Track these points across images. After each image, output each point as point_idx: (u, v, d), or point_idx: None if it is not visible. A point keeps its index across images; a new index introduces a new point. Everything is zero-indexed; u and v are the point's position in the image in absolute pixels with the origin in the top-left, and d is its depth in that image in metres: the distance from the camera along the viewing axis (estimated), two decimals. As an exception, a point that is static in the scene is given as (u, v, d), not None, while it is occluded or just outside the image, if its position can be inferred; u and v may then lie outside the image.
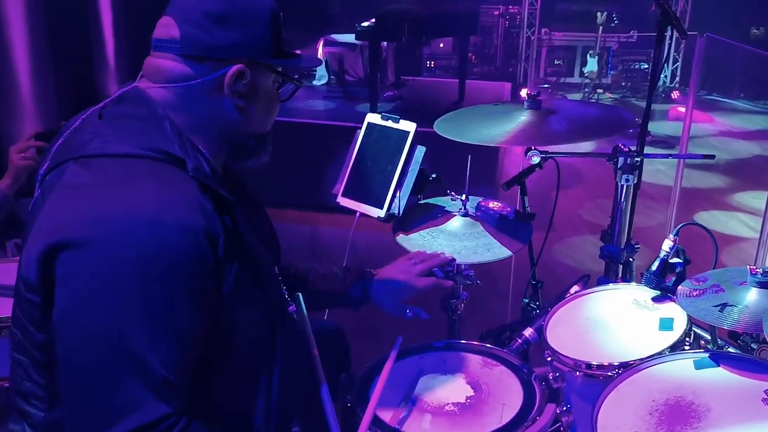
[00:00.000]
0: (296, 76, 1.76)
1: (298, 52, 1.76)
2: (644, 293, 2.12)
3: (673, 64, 11.83)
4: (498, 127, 2.35)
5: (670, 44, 11.42)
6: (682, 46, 11.52)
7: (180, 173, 1.52)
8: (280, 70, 1.68)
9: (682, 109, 10.34)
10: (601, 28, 11.10)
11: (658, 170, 6.50)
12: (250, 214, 1.79)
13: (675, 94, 11.14)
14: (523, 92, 10.80)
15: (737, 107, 10.79)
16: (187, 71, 1.57)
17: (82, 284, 1.39)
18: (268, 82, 1.67)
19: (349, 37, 7.29)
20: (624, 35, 11.85)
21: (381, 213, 2.41)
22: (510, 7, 12.27)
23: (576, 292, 2.20)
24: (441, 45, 11.74)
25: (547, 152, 2.41)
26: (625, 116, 2.41)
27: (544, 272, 2.69)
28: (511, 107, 2.54)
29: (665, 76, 11.90)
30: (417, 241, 2.35)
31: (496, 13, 12.33)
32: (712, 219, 5.97)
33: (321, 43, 7.97)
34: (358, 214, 2.50)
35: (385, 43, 7.47)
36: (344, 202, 2.51)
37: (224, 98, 1.60)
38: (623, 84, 11.71)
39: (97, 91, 5.65)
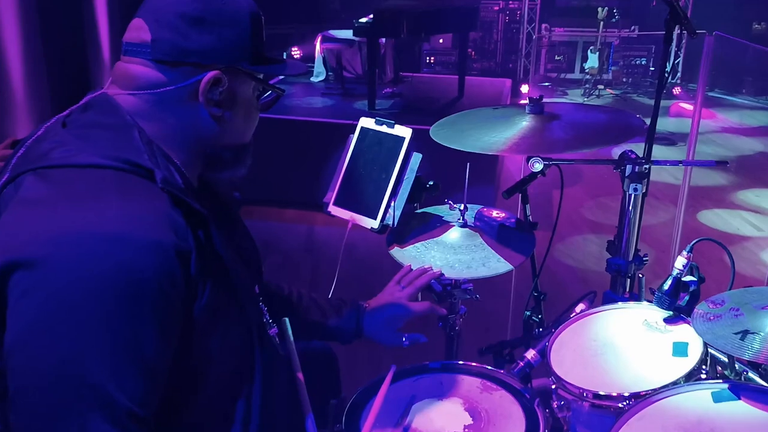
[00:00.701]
0: (278, 83, 1.63)
1: (284, 56, 1.63)
2: (655, 313, 1.98)
3: (675, 60, 11.73)
4: (498, 134, 2.20)
5: (669, 47, 11.23)
6: (683, 41, 11.47)
7: (148, 185, 1.40)
8: (260, 77, 1.57)
9: (685, 105, 10.32)
10: (601, 23, 11.02)
11: (661, 167, 6.33)
12: (229, 229, 1.68)
13: (677, 90, 11.07)
14: (524, 88, 10.72)
15: (740, 104, 10.71)
16: (159, 77, 1.46)
17: (36, 307, 1.24)
18: (247, 89, 1.56)
19: (347, 33, 7.22)
20: (625, 31, 11.76)
21: (375, 224, 2.27)
22: (510, 2, 12.19)
23: (582, 311, 2.07)
24: (441, 41, 11.65)
25: (550, 159, 2.27)
26: (634, 122, 2.27)
27: (546, 275, 2.55)
28: (512, 111, 2.39)
29: (667, 72, 11.67)
30: (411, 254, 2.22)
31: (496, 8, 12.26)
32: (715, 218, 5.88)
33: (318, 40, 7.90)
34: (349, 224, 2.36)
35: (383, 39, 7.45)
36: (336, 211, 2.38)
37: (199, 107, 1.49)
38: (624, 80, 11.66)
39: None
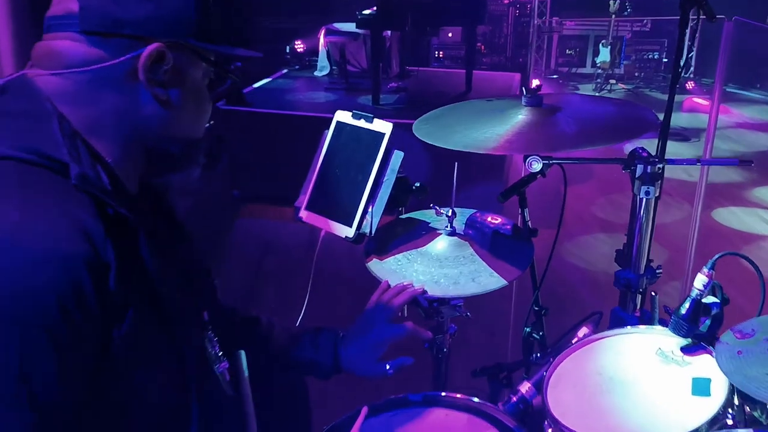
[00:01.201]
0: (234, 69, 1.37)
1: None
2: (671, 340, 1.68)
3: (688, 54, 11.48)
4: (489, 129, 1.90)
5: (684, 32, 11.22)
6: (697, 34, 11.23)
7: (62, 183, 1.16)
8: (211, 59, 1.31)
9: (698, 100, 10.05)
10: (613, 16, 10.87)
11: (674, 162, 6.18)
12: (171, 244, 1.43)
13: (690, 85, 10.91)
14: (535, 82, 10.47)
15: (755, 98, 10.52)
16: (90, 52, 1.21)
17: None
18: (196, 72, 1.31)
19: (352, 26, 7.12)
20: (637, 24, 11.55)
21: (349, 232, 1.98)
22: None
23: (585, 336, 1.78)
24: (450, 35, 11.57)
25: (550, 158, 1.99)
26: (648, 116, 1.97)
27: (553, 277, 2.26)
28: (507, 104, 2.09)
29: (681, 64, 11.51)
30: (391, 267, 1.94)
31: (506, 1, 12.22)
32: (731, 216, 5.71)
33: (322, 33, 7.80)
34: (322, 232, 2.08)
35: (389, 33, 7.40)
36: (308, 217, 2.09)
37: (140, 87, 1.24)
38: (636, 74, 11.57)
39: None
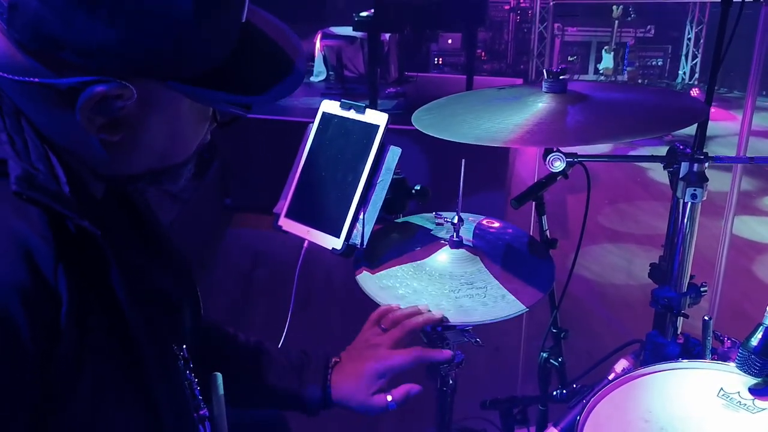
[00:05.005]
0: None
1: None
2: (736, 379, 1.35)
3: (692, 60, 11.33)
4: (504, 119, 1.56)
5: (689, 39, 11.10)
6: (701, 41, 11.07)
7: None
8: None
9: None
10: (616, 22, 10.73)
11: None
12: (145, 259, 1.15)
13: (694, 92, 10.63)
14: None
15: (761, 105, 10.23)
16: (16, 59, 0.89)
17: None
18: (177, 102, 0.98)
19: (349, 30, 6.92)
20: (641, 30, 11.45)
21: (337, 244, 1.66)
22: (521, 1, 11.92)
23: (624, 371, 1.45)
24: (449, 41, 11.39)
25: (574, 155, 1.67)
26: (695, 104, 1.65)
27: (558, 288, 1.96)
28: (523, 91, 1.75)
29: (684, 73, 11.67)
30: (384, 283, 1.62)
31: (507, 7, 12.02)
32: (742, 225, 5.51)
33: (318, 37, 7.68)
34: (306, 243, 1.75)
35: (387, 37, 7.24)
36: (288, 226, 1.77)
37: (78, 124, 0.91)
38: (640, 81, 11.34)
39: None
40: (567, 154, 1.64)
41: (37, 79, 0.88)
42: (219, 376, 1.28)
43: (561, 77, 1.68)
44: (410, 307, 1.52)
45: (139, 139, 0.97)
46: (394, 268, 1.66)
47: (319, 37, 7.62)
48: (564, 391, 1.83)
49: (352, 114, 1.72)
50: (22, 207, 0.87)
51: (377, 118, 1.67)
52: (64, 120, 0.92)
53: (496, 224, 1.84)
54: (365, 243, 1.64)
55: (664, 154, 1.72)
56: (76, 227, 0.89)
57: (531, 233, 1.85)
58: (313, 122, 1.80)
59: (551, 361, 2.03)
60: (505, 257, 1.67)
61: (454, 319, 1.51)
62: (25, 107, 0.92)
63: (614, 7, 10.60)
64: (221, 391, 1.27)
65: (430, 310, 1.51)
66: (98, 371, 0.92)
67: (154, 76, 0.91)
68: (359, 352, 1.49)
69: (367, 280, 1.64)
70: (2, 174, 0.87)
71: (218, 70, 0.94)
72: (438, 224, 1.78)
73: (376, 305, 1.57)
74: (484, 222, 1.83)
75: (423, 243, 1.75)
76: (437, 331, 1.61)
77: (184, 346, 1.17)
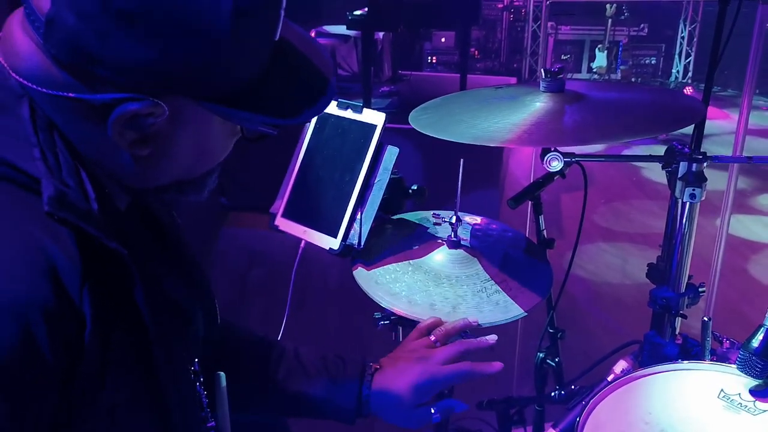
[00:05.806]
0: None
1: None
2: (736, 381, 1.35)
3: (686, 59, 11.34)
4: (502, 119, 1.55)
5: (682, 38, 11.14)
6: (695, 39, 11.10)
7: (28, 201, 0.89)
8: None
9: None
10: (610, 21, 10.80)
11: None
12: (165, 272, 1.14)
13: (688, 90, 10.67)
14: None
15: (755, 104, 10.21)
16: (51, 73, 0.89)
17: None
18: (208, 119, 0.99)
19: (342, 29, 6.82)
20: (634, 28, 11.55)
21: (334, 243, 1.65)
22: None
23: (624, 372, 1.44)
24: (443, 40, 11.40)
25: (572, 155, 1.66)
26: (694, 104, 1.64)
27: (554, 288, 1.96)
28: (521, 90, 1.74)
29: (677, 72, 11.73)
30: (380, 278, 1.61)
31: (500, 6, 12.03)
32: (737, 224, 5.54)
33: (312, 35, 7.52)
34: (302, 243, 1.75)
35: (381, 35, 7.20)
36: (285, 225, 1.76)
37: (109, 138, 0.93)
38: (633, 80, 11.40)
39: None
40: (565, 154, 1.63)
41: (71, 94, 0.89)
42: (222, 375, 1.27)
43: (558, 76, 1.67)
44: (460, 320, 1.48)
45: (168, 153, 0.98)
46: (389, 265, 1.65)
47: (312, 35, 7.62)
48: (562, 392, 1.83)
49: (349, 113, 1.72)
50: (52, 226, 0.87)
51: (374, 117, 1.67)
52: (95, 134, 0.93)
53: (494, 225, 1.83)
54: (362, 243, 1.64)
55: (662, 153, 1.72)
56: (102, 245, 0.90)
57: (527, 233, 1.85)
58: (309, 121, 1.79)
59: (548, 361, 2.02)
60: (503, 259, 1.66)
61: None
62: (58, 120, 0.93)
63: (608, 6, 10.66)
64: (224, 389, 1.26)
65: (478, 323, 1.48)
66: (118, 385, 0.93)
67: (187, 93, 0.92)
68: (406, 362, 1.43)
69: (362, 275, 1.63)
70: (35, 191, 0.88)
71: (252, 88, 0.95)
72: (436, 224, 1.77)
73: (373, 305, 1.56)
74: (482, 222, 1.82)
75: (419, 241, 1.74)
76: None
77: (196, 360, 1.17)
